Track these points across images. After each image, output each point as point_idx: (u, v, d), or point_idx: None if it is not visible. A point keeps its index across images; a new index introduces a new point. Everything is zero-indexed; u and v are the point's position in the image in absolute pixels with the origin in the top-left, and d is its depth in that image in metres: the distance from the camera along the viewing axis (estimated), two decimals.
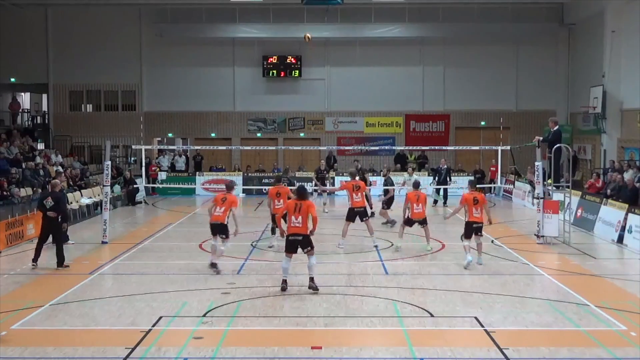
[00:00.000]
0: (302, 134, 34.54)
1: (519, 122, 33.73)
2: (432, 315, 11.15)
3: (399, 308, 11.63)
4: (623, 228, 18.16)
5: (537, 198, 18.23)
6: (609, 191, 21.33)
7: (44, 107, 35.59)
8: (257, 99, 34.46)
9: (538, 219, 18.10)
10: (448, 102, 34.38)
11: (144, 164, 22.54)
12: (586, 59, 31.27)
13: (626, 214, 18.16)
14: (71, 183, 24.59)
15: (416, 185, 17.23)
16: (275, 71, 34.04)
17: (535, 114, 32.76)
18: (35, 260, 14.88)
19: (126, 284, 13.43)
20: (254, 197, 30.12)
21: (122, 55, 34.01)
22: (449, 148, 31.80)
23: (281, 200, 16.30)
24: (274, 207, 16.53)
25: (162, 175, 31.34)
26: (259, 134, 34.86)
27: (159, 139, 35.27)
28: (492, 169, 29.54)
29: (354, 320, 10.96)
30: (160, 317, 10.97)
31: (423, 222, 16.70)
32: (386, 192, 21.98)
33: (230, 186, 14.77)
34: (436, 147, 31.36)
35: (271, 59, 33.96)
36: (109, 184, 18.72)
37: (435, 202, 26.80)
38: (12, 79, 34.44)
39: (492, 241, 17.87)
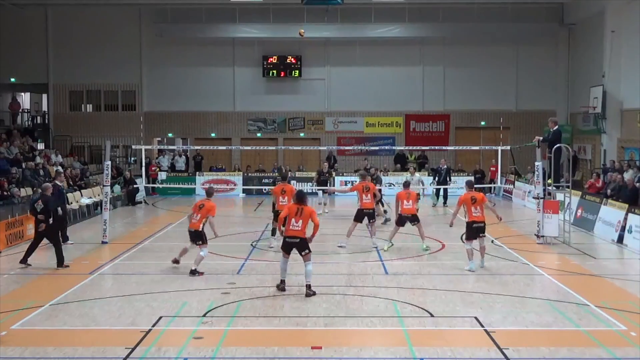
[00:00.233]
0: (302, 134, 34.55)
1: (519, 122, 33.73)
2: (432, 315, 11.15)
3: (399, 308, 11.63)
4: (623, 228, 18.16)
5: (537, 198, 18.23)
6: (609, 191, 21.33)
7: (44, 107, 35.59)
8: (257, 99, 34.46)
9: (538, 219, 18.11)
10: (448, 102, 34.39)
11: (144, 164, 22.54)
12: (586, 59, 31.27)
13: (626, 214, 18.16)
14: (71, 183, 24.59)
15: (406, 184, 17.31)
16: (275, 71, 34.05)
17: (535, 114, 32.77)
18: (24, 261, 14.84)
19: (126, 284, 13.42)
20: (254, 197, 30.14)
21: (122, 55, 34.02)
22: (449, 148, 31.80)
23: (286, 198, 16.49)
24: (278, 204, 16.59)
25: (162, 175, 31.34)
26: (259, 134, 34.86)
27: (159, 139, 35.27)
28: (492, 169, 29.54)
29: (354, 320, 10.96)
30: (160, 317, 10.97)
31: (414, 219, 16.70)
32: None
33: (209, 192, 14.87)
34: (436, 147, 31.36)
35: (271, 59, 33.97)
36: (109, 184, 18.72)
37: (434, 204, 26.78)
38: (12, 79, 34.44)
39: (492, 241, 17.86)
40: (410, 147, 32.74)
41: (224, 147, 31.91)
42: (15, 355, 9.27)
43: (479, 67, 34.08)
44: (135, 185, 27.76)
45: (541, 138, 19.08)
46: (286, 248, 12.60)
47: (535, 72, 33.88)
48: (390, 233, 17.11)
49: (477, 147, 28.98)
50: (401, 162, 32.82)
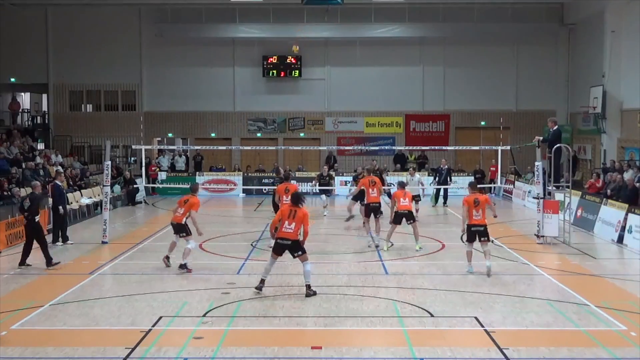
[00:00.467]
0: (302, 134, 34.54)
1: (519, 122, 33.74)
2: (432, 315, 11.15)
3: (399, 308, 11.63)
4: (623, 228, 18.17)
5: (537, 198, 18.23)
6: (609, 191, 21.34)
7: (44, 107, 35.57)
8: (257, 99, 34.46)
9: (538, 219, 18.11)
10: (448, 102, 34.38)
11: (144, 164, 22.55)
12: (586, 59, 31.26)
13: (626, 214, 18.16)
14: (71, 183, 24.58)
15: (402, 185, 17.38)
16: (275, 71, 34.04)
17: (535, 114, 32.77)
18: (22, 263, 14.85)
19: (126, 284, 13.42)
20: (254, 197, 30.14)
21: (122, 55, 34.01)
22: (449, 148, 31.79)
23: (289, 197, 16.47)
24: (282, 204, 16.71)
25: (162, 175, 31.34)
26: (259, 134, 34.86)
27: (159, 139, 35.27)
28: (492, 169, 29.53)
29: (354, 320, 10.96)
30: (160, 317, 10.97)
31: (410, 216, 16.74)
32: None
33: (193, 188, 15.15)
34: (436, 147, 31.36)
35: (271, 59, 33.96)
36: (109, 184, 18.73)
37: (434, 205, 26.77)
38: (12, 79, 34.41)
39: (492, 241, 17.79)
40: (410, 147, 32.73)
41: (224, 147, 31.91)
42: (15, 355, 9.27)
43: (479, 67, 34.07)
44: (135, 185, 27.76)
45: (541, 138, 19.08)
46: (277, 250, 12.51)
47: (535, 72, 33.86)
48: (387, 233, 17.10)
49: (477, 147, 28.98)
50: (401, 162, 32.81)
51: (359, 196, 20.66)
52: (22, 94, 36.42)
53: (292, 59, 33.94)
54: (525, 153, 30.03)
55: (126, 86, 34.68)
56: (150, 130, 34.44)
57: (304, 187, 27.58)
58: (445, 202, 26.85)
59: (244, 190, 31.00)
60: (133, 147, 32.06)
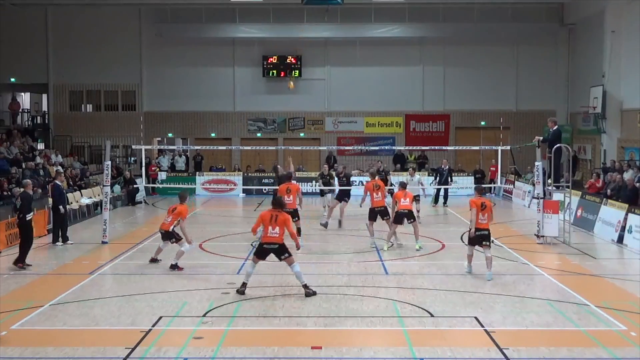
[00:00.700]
0: (302, 134, 34.54)
1: (519, 122, 33.74)
2: (432, 315, 11.15)
3: (399, 308, 11.63)
4: (623, 228, 18.17)
5: (537, 198, 18.23)
6: (609, 191, 21.33)
7: (44, 107, 35.57)
8: (257, 99, 34.46)
9: (538, 219, 18.10)
10: (448, 102, 34.39)
11: (144, 164, 22.53)
12: (586, 59, 31.26)
13: (626, 214, 18.16)
14: (71, 183, 24.57)
15: (403, 185, 17.44)
16: (275, 71, 34.04)
17: (535, 114, 32.77)
18: (22, 264, 14.85)
19: (126, 284, 13.43)
20: (254, 197, 30.12)
21: (122, 55, 34.01)
22: (449, 148, 31.79)
23: (291, 196, 17.17)
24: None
25: (162, 175, 31.32)
26: (259, 134, 34.86)
27: (159, 139, 35.27)
28: (492, 169, 29.53)
29: (354, 320, 10.96)
30: (160, 317, 10.97)
31: (410, 215, 16.77)
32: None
33: (182, 197, 15.39)
34: (436, 147, 31.37)
35: (271, 59, 33.96)
36: (109, 184, 18.73)
37: (434, 205, 26.75)
38: (12, 79, 34.42)
39: (492, 241, 17.83)
40: (410, 147, 32.73)
41: (224, 147, 31.91)
42: (15, 355, 9.27)
43: (479, 67, 34.07)
44: (135, 185, 27.75)
45: (541, 138, 19.09)
46: (261, 254, 12.49)
47: (535, 72, 33.87)
48: (388, 233, 17.10)
49: (477, 147, 28.98)
50: (400, 162, 32.81)
51: (342, 195, 20.68)
52: (22, 94, 36.42)
53: (292, 59, 33.94)
54: (525, 153, 30.03)
55: (126, 86, 34.68)
56: (150, 130, 34.44)
57: (304, 187, 27.57)
58: (445, 202, 26.85)
59: (244, 190, 30.99)
60: (133, 147, 32.06)
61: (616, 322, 10.76)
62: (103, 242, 17.98)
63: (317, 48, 34.11)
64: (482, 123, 34.23)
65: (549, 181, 18.60)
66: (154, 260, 15.20)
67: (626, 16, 27.37)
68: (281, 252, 12.37)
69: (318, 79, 34.46)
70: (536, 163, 18.57)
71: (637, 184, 20.30)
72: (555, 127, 18.74)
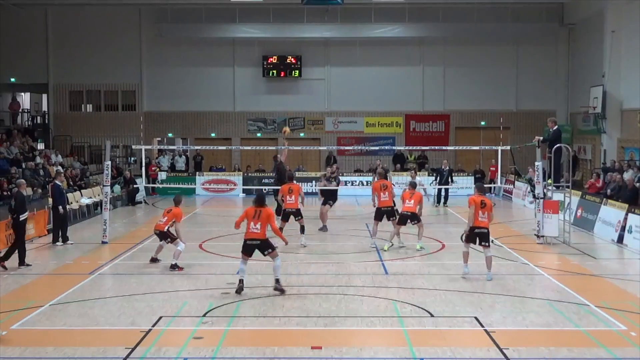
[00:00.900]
0: (302, 134, 34.52)
1: (519, 122, 33.73)
2: (432, 315, 11.15)
3: (399, 308, 11.63)
4: (623, 228, 18.16)
5: (537, 198, 18.23)
6: (609, 191, 21.33)
7: (44, 107, 35.57)
8: (257, 99, 34.46)
9: (538, 219, 18.10)
10: (448, 102, 34.39)
11: (144, 164, 22.53)
12: (586, 59, 31.26)
13: (626, 214, 18.16)
14: (71, 183, 24.58)
15: (413, 185, 17.51)
16: (275, 71, 34.04)
17: (535, 114, 32.75)
18: (21, 264, 14.86)
19: (126, 284, 13.42)
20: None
21: (122, 55, 34.02)
22: (449, 148, 31.79)
23: (293, 197, 17.48)
24: (286, 203, 17.53)
25: (162, 175, 31.30)
26: (259, 134, 34.86)
27: (159, 139, 35.27)
28: (492, 169, 29.51)
29: (354, 320, 10.96)
30: (160, 317, 10.97)
31: (414, 217, 16.74)
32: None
33: (177, 200, 15.37)
34: (436, 147, 31.37)
35: (271, 59, 33.95)
36: (109, 184, 18.74)
37: (436, 205, 26.76)
38: (12, 79, 34.42)
39: (492, 241, 17.80)
40: (410, 147, 32.74)
41: (224, 147, 31.88)
42: (15, 355, 9.27)
43: (479, 67, 34.07)
44: (135, 185, 27.76)
45: (541, 138, 19.08)
46: (247, 250, 12.61)
47: (535, 72, 33.86)
48: (391, 233, 17.10)
49: (477, 147, 28.95)
50: (400, 162, 32.80)
51: (327, 198, 20.54)
52: (22, 94, 36.42)
53: (292, 59, 33.94)
54: (525, 153, 30.02)
55: (126, 86, 34.68)
56: (150, 130, 34.43)
57: (305, 188, 27.52)
58: (445, 202, 26.85)
59: (244, 190, 30.95)
60: (133, 147, 32.04)
61: (616, 322, 10.75)
62: (103, 242, 17.98)
63: (317, 48, 34.12)
64: (482, 123, 34.23)
65: (549, 181, 18.60)
66: (154, 260, 15.21)
67: (626, 16, 27.37)
68: (264, 247, 12.48)
69: (318, 79, 34.46)
70: (536, 163, 18.57)
71: (637, 184, 20.30)
72: (555, 127, 18.74)
